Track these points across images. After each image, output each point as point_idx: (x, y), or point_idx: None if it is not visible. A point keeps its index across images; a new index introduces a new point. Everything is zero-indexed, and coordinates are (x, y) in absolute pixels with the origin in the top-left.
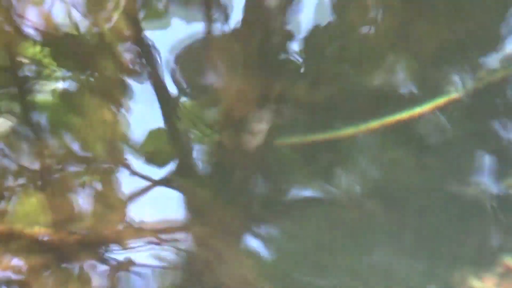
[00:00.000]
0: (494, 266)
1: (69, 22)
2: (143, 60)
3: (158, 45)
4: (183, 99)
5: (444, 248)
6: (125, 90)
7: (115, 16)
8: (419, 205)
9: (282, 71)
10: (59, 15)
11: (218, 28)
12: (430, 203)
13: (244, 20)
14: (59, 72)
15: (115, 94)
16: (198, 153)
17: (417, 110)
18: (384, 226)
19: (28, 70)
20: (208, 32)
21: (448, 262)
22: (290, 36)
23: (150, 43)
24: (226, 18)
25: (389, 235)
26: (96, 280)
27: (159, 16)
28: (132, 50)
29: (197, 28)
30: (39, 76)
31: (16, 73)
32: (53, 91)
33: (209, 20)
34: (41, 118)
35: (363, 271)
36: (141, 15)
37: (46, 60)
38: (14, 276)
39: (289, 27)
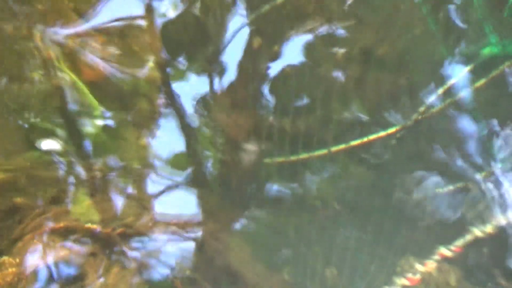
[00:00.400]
0: (433, 254)
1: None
2: (169, 101)
3: (179, 90)
4: (199, 129)
5: (395, 240)
6: (155, 122)
7: (148, 67)
8: (375, 207)
9: (267, 107)
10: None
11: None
12: (384, 206)
13: (238, 72)
14: (101, 111)
15: (148, 125)
16: (208, 167)
17: (372, 136)
18: (348, 223)
19: (77, 108)
20: (211, 82)
21: (398, 251)
22: (268, 79)
23: (174, 89)
24: (223, 71)
25: (352, 230)
26: (132, 264)
27: (181, 75)
28: (161, 94)
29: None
30: (86, 113)
31: (66, 110)
32: (96, 125)
33: (211, 73)
34: (87, 142)
35: (333, 256)
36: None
37: (92, 101)
38: (72, 260)
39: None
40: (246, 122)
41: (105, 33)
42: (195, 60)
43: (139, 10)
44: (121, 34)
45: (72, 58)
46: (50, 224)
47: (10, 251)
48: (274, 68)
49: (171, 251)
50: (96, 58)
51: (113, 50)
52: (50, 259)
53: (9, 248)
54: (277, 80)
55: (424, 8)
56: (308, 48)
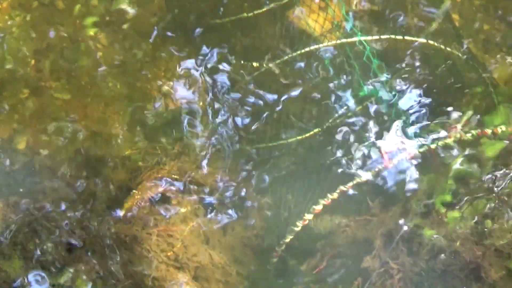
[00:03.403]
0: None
1: None
2: None
3: None
4: None
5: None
6: None
7: None
8: (305, 170)
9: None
10: None
11: None
12: (309, 168)
13: None
14: None
15: None
16: None
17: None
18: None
19: None
20: None
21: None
22: None
23: None
24: None
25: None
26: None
27: None
28: None
29: None
30: None
31: None
32: None
33: None
34: None
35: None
36: None
37: None
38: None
39: None
40: None
41: None
42: None
43: None
44: None
45: None
46: (155, 176)
47: (136, 188)
48: None
49: None
50: None
51: None
52: (156, 191)
53: (136, 186)
54: None
55: (330, 69)
56: None
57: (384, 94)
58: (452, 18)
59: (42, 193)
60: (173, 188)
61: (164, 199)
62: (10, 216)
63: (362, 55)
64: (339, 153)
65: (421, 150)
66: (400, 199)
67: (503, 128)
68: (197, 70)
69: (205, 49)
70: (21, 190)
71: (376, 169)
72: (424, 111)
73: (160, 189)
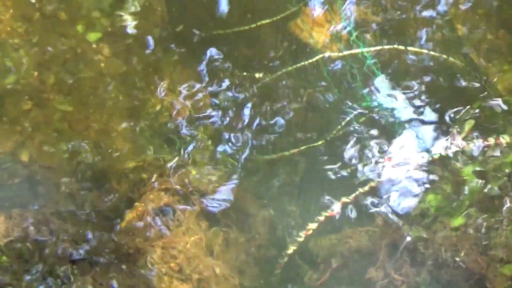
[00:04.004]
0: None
1: None
2: None
3: None
4: None
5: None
6: None
7: None
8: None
9: None
10: None
11: None
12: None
13: None
14: None
15: None
16: None
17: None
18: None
19: None
20: None
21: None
22: None
23: None
24: None
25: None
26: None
27: None
28: None
29: None
30: None
31: None
32: None
33: None
34: None
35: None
36: None
37: None
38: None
39: None
40: None
41: None
42: None
43: None
44: None
45: None
46: (158, 187)
47: (139, 199)
48: None
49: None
50: None
51: None
52: (159, 203)
53: (139, 198)
54: None
55: (333, 80)
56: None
57: (387, 104)
58: (455, 28)
59: (44, 205)
60: (176, 199)
61: (167, 211)
62: (13, 229)
63: (365, 66)
64: (342, 164)
65: (425, 160)
66: (403, 209)
67: (507, 138)
68: (200, 81)
69: (207, 60)
70: (23, 202)
71: (380, 179)
72: (426, 120)
73: (163, 201)
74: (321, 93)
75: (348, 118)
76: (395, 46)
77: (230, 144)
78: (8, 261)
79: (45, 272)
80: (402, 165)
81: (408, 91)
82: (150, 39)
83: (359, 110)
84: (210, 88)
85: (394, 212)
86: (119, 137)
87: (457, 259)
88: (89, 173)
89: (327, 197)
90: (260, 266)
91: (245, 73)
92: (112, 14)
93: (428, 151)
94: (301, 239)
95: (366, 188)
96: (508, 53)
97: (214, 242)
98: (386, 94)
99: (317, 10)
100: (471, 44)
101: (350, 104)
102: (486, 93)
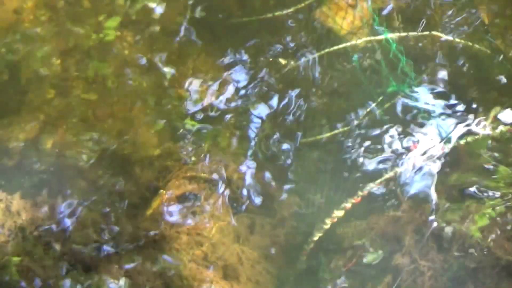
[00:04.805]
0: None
1: None
2: None
3: None
4: None
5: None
6: None
7: None
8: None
9: None
10: None
11: None
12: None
13: None
14: None
15: None
16: None
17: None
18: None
19: None
20: None
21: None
22: None
23: None
24: None
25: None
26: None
27: None
28: None
29: None
30: None
31: None
32: None
33: None
34: None
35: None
36: None
37: None
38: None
39: None
40: None
41: None
42: None
43: None
44: None
45: None
46: (183, 175)
47: (164, 187)
48: None
49: None
50: None
51: None
52: (184, 190)
53: (164, 185)
54: None
55: (358, 66)
56: None
57: (412, 91)
58: (481, 14)
59: (69, 193)
60: (201, 186)
61: (192, 197)
62: (37, 216)
63: (390, 53)
64: (367, 150)
65: (450, 146)
66: (429, 195)
67: None
68: (224, 68)
69: (232, 47)
70: (49, 190)
71: (406, 165)
72: (452, 107)
73: (188, 188)
74: (346, 79)
75: (373, 105)
76: (420, 33)
77: (255, 130)
78: (34, 247)
79: (71, 259)
80: (427, 151)
81: (433, 77)
82: (173, 27)
83: (385, 95)
84: (234, 75)
85: (420, 197)
86: (143, 125)
87: (484, 245)
88: (114, 161)
89: (353, 183)
90: (286, 253)
91: (270, 59)
92: (136, 2)
93: (452, 137)
94: (327, 226)
95: (392, 174)
96: None
97: (239, 229)
98: (410, 81)
99: None
100: (497, 31)
101: (376, 89)
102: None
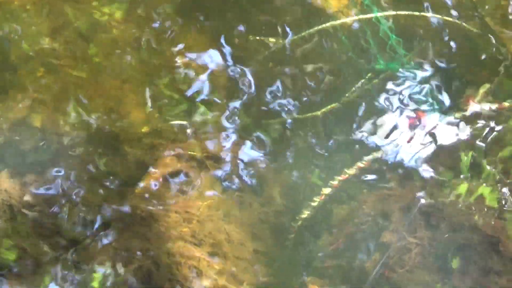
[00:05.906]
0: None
1: None
2: None
3: None
4: None
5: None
6: None
7: None
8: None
9: None
10: None
11: None
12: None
13: None
14: None
15: None
16: None
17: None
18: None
19: None
20: None
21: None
22: None
23: None
24: None
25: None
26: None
27: None
28: None
29: None
30: None
31: None
32: None
33: None
34: None
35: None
36: None
37: None
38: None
39: None
40: None
41: None
42: None
43: None
44: None
45: None
46: (172, 152)
47: (153, 164)
48: None
49: None
50: None
51: None
52: (174, 168)
53: (153, 163)
54: None
55: (349, 46)
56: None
57: (401, 68)
58: None
59: (58, 171)
60: (190, 164)
61: (182, 175)
62: (26, 195)
63: (379, 31)
64: (357, 127)
65: (440, 122)
66: (418, 172)
67: None
68: (215, 46)
69: (222, 25)
70: (37, 168)
71: (395, 142)
72: (440, 85)
73: (178, 166)
74: (335, 57)
75: (362, 81)
76: (409, 12)
77: (244, 108)
78: (25, 227)
79: (61, 237)
80: (417, 128)
81: (422, 55)
82: (163, 4)
83: (373, 72)
84: (225, 53)
85: (409, 174)
86: (133, 103)
87: (472, 222)
88: (103, 139)
89: (342, 161)
90: (274, 231)
91: (258, 38)
92: None
93: (442, 114)
94: (315, 204)
95: (381, 151)
96: None
97: (228, 207)
98: (399, 58)
99: None
100: (486, 10)
101: (364, 66)
102: (501, 57)
